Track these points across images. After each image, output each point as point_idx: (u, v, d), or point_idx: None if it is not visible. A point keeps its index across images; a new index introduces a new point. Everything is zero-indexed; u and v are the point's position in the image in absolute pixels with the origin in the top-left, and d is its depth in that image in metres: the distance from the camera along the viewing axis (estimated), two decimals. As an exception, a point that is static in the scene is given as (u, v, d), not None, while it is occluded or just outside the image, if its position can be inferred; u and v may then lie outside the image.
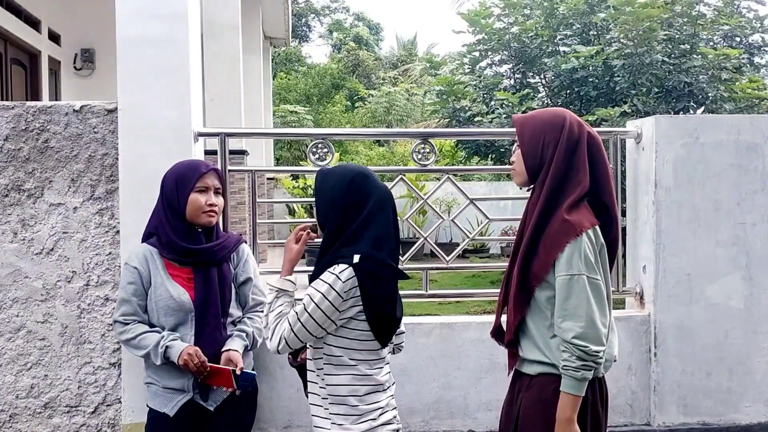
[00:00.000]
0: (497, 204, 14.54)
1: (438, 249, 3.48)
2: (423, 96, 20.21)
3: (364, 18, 34.26)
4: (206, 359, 2.57)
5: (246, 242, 2.90)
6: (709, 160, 3.45)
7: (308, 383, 2.30)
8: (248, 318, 2.81)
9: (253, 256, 2.94)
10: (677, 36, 8.65)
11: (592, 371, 2.13)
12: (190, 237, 2.67)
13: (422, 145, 3.42)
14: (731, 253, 3.47)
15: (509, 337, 2.30)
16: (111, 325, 3.14)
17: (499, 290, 2.43)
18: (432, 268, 3.56)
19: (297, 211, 12.44)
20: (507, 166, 3.12)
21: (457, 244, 3.56)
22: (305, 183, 12.23)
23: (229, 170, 3.31)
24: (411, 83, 24.37)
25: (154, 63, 3.08)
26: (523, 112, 8.76)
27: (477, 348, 3.36)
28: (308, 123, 20.21)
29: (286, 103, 21.57)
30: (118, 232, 3.13)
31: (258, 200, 3.47)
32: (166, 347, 2.58)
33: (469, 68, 10.68)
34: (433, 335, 3.33)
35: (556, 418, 2.14)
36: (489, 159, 10.43)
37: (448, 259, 3.46)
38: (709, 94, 8.27)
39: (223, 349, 2.66)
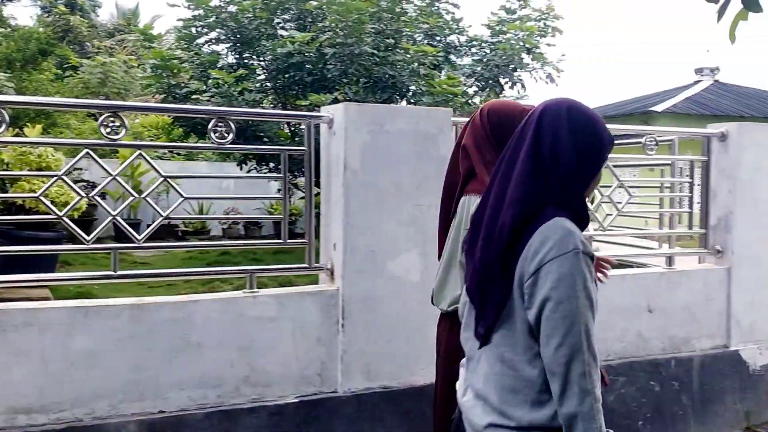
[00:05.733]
0: (219, 184, 14.46)
1: (128, 228, 3.38)
2: (140, 69, 19.24)
3: (78, -20, 31.57)
4: None
5: None
6: (392, 146, 3.75)
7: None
8: None
9: None
10: (385, 30, 9.24)
11: None
12: None
13: (111, 119, 3.28)
14: (410, 232, 3.82)
15: None
16: None
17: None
18: (121, 248, 3.44)
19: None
20: (209, 144, 3.14)
21: (176, 226, 3.48)
22: None
23: None
24: (129, 54, 23.04)
25: None
26: (239, 92, 8.79)
27: (170, 328, 3.32)
28: (9, 91, 18.16)
29: (-18, 67, 19.17)
30: None
31: None
32: None
33: (186, 44, 10.40)
34: (123, 317, 3.22)
35: None
36: (207, 138, 10.29)
37: (139, 238, 3.37)
38: (411, 87, 8.97)
39: None
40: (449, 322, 2.82)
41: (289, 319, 3.56)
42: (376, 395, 3.74)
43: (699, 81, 27.36)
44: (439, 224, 3.02)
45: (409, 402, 3.79)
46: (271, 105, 10.31)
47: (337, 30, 8.63)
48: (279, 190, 10.50)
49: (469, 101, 10.51)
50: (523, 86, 10.58)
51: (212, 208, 14.35)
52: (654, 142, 4.59)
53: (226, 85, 8.76)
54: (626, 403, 4.39)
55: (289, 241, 3.78)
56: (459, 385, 2.03)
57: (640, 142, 4.64)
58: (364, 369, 3.73)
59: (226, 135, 3.51)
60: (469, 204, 2.71)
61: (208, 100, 9.12)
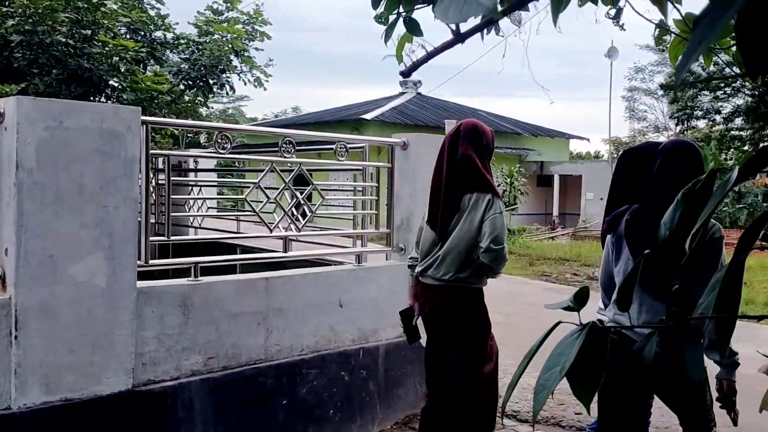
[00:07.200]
0: None
1: None
2: None
3: None
4: None
5: None
6: (74, 144, 3.55)
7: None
8: None
9: None
10: (81, 20, 8.66)
11: None
12: None
13: None
14: (95, 234, 3.64)
15: None
16: None
17: None
18: None
19: None
20: None
21: None
22: None
23: None
24: None
25: None
26: None
27: None
28: None
29: None
30: None
31: None
32: None
33: None
34: None
35: None
36: None
37: None
38: (110, 83, 8.52)
39: None
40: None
41: (-51, 334, 3.21)
42: (56, 409, 3.51)
43: (404, 93, 29.76)
44: (430, 213, 3.95)
45: (93, 413, 3.63)
46: (-54, 94, 9.12)
47: (26, 16, 7.90)
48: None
49: (177, 99, 10.27)
50: (232, 88, 10.60)
51: None
52: (344, 149, 4.90)
53: None
54: (318, 394, 4.63)
55: (-52, 247, 3.39)
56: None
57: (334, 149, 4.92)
58: (43, 382, 3.48)
59: None
60: (476, 199, 3.66)
61: None
